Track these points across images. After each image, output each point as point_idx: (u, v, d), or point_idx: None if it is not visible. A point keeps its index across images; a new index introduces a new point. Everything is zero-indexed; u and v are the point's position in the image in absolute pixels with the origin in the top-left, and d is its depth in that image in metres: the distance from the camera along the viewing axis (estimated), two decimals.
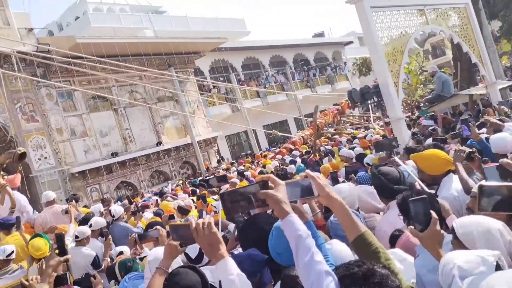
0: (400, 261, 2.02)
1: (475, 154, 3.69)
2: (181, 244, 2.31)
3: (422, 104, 13.96)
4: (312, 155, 11.93)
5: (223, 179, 8.60)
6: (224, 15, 55.49)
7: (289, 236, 1.67)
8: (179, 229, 2.02)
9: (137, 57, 18.41)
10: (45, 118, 15.71)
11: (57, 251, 3.06)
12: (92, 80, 17.22)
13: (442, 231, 2.06)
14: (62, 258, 2.98)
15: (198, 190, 10.25)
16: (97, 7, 28.77)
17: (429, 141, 6.16)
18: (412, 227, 2.03)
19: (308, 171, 1.88)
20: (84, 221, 6.27)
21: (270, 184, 1.76)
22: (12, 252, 4.64)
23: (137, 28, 26.95)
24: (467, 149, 3.72)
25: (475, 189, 2.50)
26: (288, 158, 12.25)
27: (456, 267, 1.58)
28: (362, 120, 19.40)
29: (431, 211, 1.99)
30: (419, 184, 3.14)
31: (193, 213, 7.10)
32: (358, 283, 1.42)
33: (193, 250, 3.12)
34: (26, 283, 2.93)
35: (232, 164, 16.68)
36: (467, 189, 3.16)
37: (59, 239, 3.08)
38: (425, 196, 2.05)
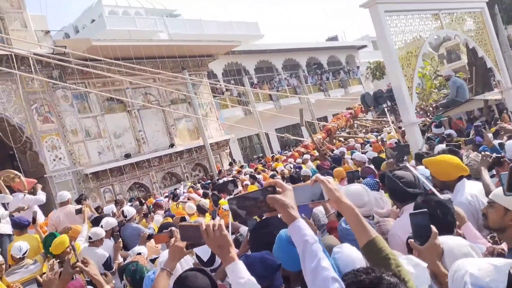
0: (413, 266, 2.01)
1: (505, 159, 3.64)
2: (187, 246, 2.29)
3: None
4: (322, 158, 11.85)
5: (223, 188, 8.52)
6: (238, 18, 55.71)
7: (296, 241, 1.66)
8: (188, 229, 1.97)
9: (151, 60, 18.60)
10: (60, 119, 15.90)
11: (73, 260, 3.08)
12: (107, 82, 17.40)
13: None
14: (76, 269, 2.98)
15: (210, 193, 10.23)
16: (112, 10, 29.05)
17: (440, 146, 6.06)
18: (412, 240, 2.04)
19: (318, 175, 1.87)
20: (96, 221, 6.33)
21: (277, 189, 1.74)
22: (27, 250, 5.08)
23: (151, 31, 27.16)
24: (495, 154, 3.68)
25: (491, 196, 2.48)
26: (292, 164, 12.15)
27: (468, 274, 1.55)
28: (376, 124, 19.29)
29: (431, 225, 2.00)
30: (432, 190, 3.10)
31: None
32: None
33: (205, 252, 3.12)
34: (40, 279, 2.97)
35: (241, 167, 16.65)
36: (489, 193, 3.12)
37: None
38: (425, 210, 2.06)
